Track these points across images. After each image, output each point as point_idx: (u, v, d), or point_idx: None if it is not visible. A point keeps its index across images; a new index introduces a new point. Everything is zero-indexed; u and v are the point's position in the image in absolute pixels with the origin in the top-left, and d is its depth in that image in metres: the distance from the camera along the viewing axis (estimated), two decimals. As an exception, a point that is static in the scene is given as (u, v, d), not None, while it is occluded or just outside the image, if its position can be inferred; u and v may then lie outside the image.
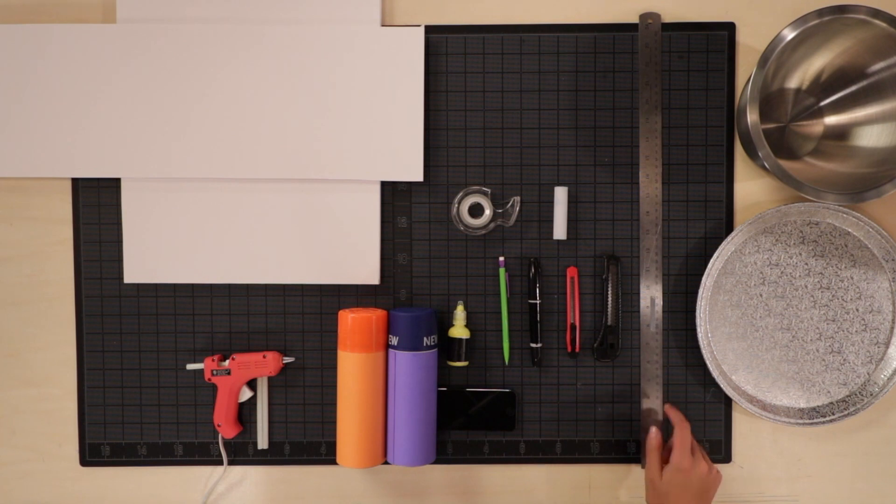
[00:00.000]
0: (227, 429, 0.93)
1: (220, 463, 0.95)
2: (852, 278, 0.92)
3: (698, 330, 0.91)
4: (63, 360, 0.95)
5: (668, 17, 0.93)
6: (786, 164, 0.82)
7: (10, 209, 0.94)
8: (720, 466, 0.95)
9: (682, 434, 0.87)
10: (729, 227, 0.94)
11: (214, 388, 0.94)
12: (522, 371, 0.95)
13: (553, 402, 0.94)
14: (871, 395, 0.91)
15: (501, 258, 0.93)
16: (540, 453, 0.95)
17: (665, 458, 0.88)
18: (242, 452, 0.95)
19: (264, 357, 0.92)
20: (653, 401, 0.93)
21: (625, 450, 0.95)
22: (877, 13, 0.79)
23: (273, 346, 0.95)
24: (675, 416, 0.89)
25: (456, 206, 0.91)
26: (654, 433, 0.90)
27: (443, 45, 0.93)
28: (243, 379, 0.93)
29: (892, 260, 0.91)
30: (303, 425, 0.95)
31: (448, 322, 0.94)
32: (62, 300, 0.95)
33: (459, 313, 0.93)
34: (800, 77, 0.91)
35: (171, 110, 0.92)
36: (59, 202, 0.94)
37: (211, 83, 0.92)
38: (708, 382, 0.94)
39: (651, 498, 0.87)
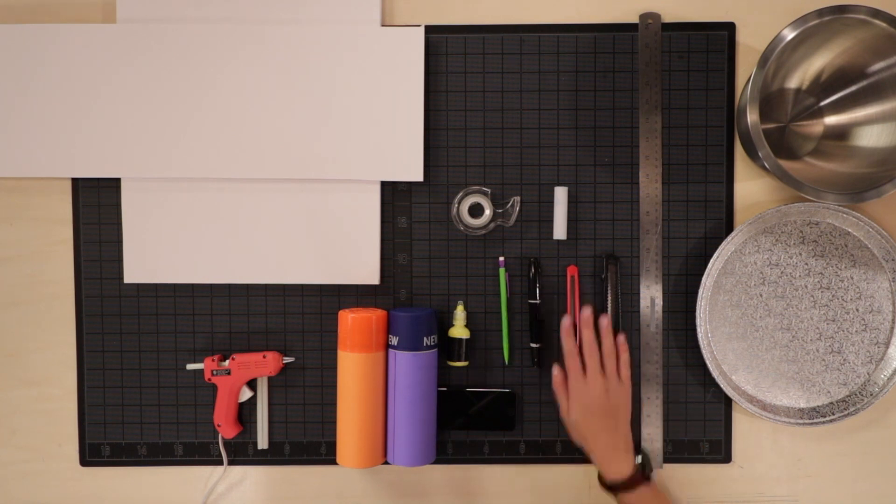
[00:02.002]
0: (227, 429, 0.93)
1: (220, 463, 0.95)
2: (852, 278, 0.92)
3: (698, 330, 0.91)
4: (63, 360, 0.95)
5: (668, 17, 0.93)
6: (786, 164, 0.82)
7: (11, 209, 0.94)
8: (720, 466, 0.95)
9: (569, 362, 0.89)
10: (729, 227, 0.93)
11: (214, 388, 0.94)
12: (522, 371, 0.94)
13: (553, 402, 0.94)
14: (871, 395, 0.91)
15: (501, 258, 0.93)
16: (540, 453, 0.95)
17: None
18: (242, 452, 0.95)
19: (264, 357, 0.92)
20: (653, 401, 0.93)
21: (625, 450, 0.95)
22: (877, 13, 0.79)
23: (273, 346, 0.95)
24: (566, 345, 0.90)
25: (456, 206, 0.91)
26: (556, 371, 0.90)
27: (443, 45, 0.93)
28: (243, 379, 0.93)
29: (892, 260, 0.91)
30: (303, 425, 0.95)
31: (448, 322, 0.94)
32: (62, 300, 0.95)
33: (459, 313, 0.93)
34: (800, 77, 0.91)
35: (171, 110, 0.92)
36: (59, 202, 0.94)
37: (211, 83, 0.92)
38: (708, 382, 0.94)
39: (573, 435, 0.89)
